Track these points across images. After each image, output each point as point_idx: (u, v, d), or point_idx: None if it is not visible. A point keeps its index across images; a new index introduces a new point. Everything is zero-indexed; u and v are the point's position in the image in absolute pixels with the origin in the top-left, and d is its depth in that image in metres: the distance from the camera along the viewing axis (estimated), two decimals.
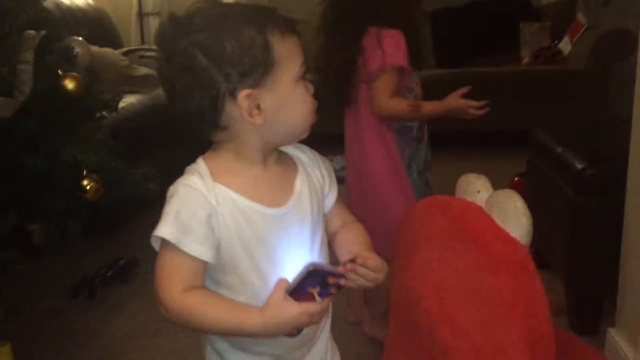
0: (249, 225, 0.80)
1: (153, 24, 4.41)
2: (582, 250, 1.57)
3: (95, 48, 2.83)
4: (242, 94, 0.76)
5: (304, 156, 0.90)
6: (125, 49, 3.42)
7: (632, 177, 1.43)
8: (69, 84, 1.35)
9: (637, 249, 1.40)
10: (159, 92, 2.84)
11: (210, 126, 0.79)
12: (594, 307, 1.58)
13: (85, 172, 1.36)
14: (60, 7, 3.07)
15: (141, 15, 4.36)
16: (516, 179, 2.64)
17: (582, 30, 3.80)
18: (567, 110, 3.61)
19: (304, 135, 0.84)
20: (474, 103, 1.53)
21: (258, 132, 0.80)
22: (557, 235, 1.66)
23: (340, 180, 1.05)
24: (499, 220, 0.97)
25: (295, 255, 0.80)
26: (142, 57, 3.32)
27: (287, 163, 0.88)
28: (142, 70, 3.12)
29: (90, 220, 1.46)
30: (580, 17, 3.90)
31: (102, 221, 1.71)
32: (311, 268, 0.75)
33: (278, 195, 0.84)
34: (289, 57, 0.78)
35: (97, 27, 3.40)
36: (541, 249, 1.76)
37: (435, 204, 1.09)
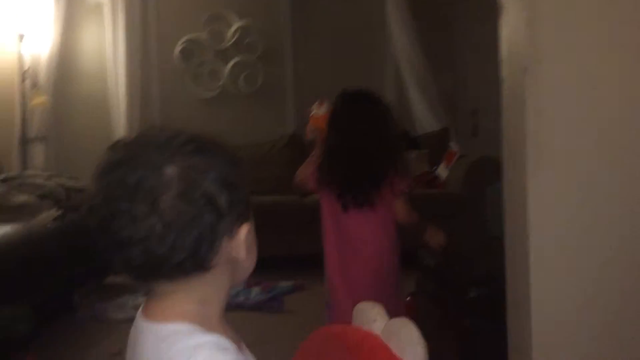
0: None
1: (38, 149, 4.25)
2: None
3: None
4: (245, 228, 0.68)
5: None
6: (3, 176, 3.22)
7: (510, 297, 1.52)
8: None
9: None
10: (37, 220, 2.66)
11: (194, 267, 0.65)
12: None
13: None
14: None
15: (24, 140, 4.19)
16: (408, 298, 2.70)
17: (456, 157, 4.19)
18: (449, 230, 3.85)
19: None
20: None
21: (231, 274, 0.71)
22: (448, 356, 1.69)
23: None
24: (395, 349, 0.97)
25: None
26: (22, 184, 3.13)
27: None
28: (21, 198, 2.93)
29: None
30: (453, 145, 4.32)
31: None
32: None
33: None
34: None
35: None
36: None
37: (332, 334, 1.07)
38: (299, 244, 3.81)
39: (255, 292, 3.18)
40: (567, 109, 1.38)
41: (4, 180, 3.10)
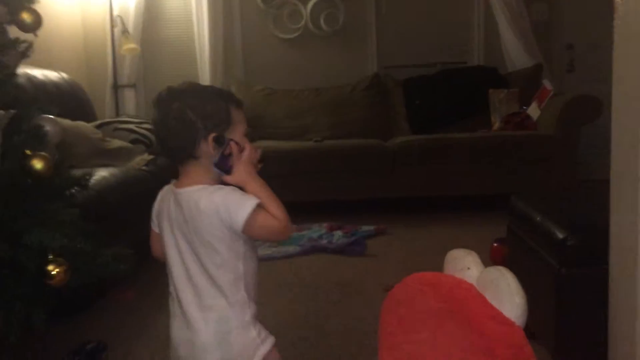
0: None
1: (128, 96, 4.42)
2: (569, 321, 1.53)
3: (67, 122, 2.79)
4: (211, 136, 1.16)
5: None
6: (99, 122, 3.38)
7: (614, 245, 1.42)
8: (37, 164, 1.29)
9: (623, 318, 1.37)
10: (132, 164, 2.76)
11: (187, 154, 1.18)
12: None
13: (51, 257, 1.28)
14: (33, 82, 3.04)
15: (116, 87, 4.37)
16: (495, 245, 2.62)
17: (549, 96, 3.92)
18: (540, 173, 3.67)
19: None
20: None
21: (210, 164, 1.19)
22: (542, 305, 1.62)
23: None
24: (491, 299, 0.93)
25: None
26: (116, 129, 3.28)
27: None
28: (116, 143, 3.08)
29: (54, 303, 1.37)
30: (547, 83, 4.04)
31: (67, 303, 1.60)
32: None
33: None
34: (240, 121, 1.21)
35: (71, 101, 3.37)
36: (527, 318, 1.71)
37: (425, 281, 1.05)
38: (380, 188, 3.77)
39: (338, 236, 3.21)
40: None
41: (100, 126, 3.26)
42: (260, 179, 1.18)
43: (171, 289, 1.20)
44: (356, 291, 2.51)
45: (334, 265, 2.86)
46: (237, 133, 1.18)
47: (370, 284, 2.56)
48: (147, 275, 2.72)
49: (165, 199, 1.22)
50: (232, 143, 1.16)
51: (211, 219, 1.12)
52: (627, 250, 1.35)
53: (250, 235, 1.15)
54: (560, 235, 1.52)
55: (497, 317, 0.90)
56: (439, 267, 1.24)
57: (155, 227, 1.28)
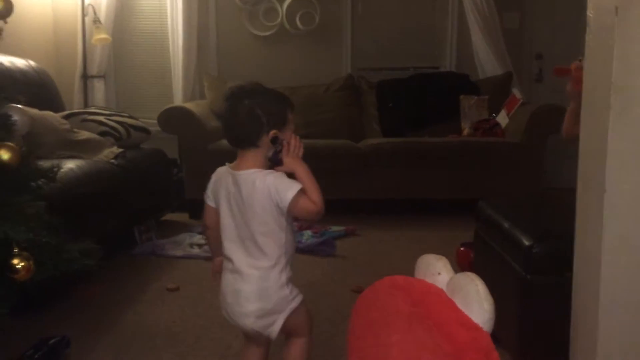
0: None
1: (98, 86, 4.33)
2: (533, 327, 1.57)
3: (34, 111, 2.71)
4: (272, 132, 1.41)
5: None
6: (66, 112, 3.30)
7: (578, 253, 1.46)
8: (4, 155, 1.26)
9: (585, 325, 1.41)
10: (100, 157, 2.71)
11: (251, 143, 1.42)
12: None
13: (15, 250, 1.25)
14: None
15: (85, 77, 4.28)
16: (462, 249, 2.66)
17: (518, 104, 4.00)
18: (507, 180, 3.75)
19: None
20: None
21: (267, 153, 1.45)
22: (507, 311, 1.65)
23: None
24: (460, 305, 0.95)
25: None
26: (84, 120, 3.21)
27: None
28: (84, 135, 3.01)
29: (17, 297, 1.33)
30: (516, 92, 4.12)
31: (30, 297, 1.56)
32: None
33: None
34: (291, 121, 1.46)
35: (39, 90, 3.29)
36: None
37: (396, 285, 1.06)
38: (351, 189, 3.79)
39: (307, 236, 3.21)
40: None
41: (67, 117, 3.18)
42: (306, 166, 1.40)
43: (225, 250, 1.45)
44: (325, 292, 2.51)
45: (302, 265, 2.86)
46: (288, 130, 1.44)
47: (339, 285, 2.57)
48: (113, 270, 2.70)
49: (223, 179, 1.45)
50: (284, 142, 1.40)
51: (263, 195, 1.37)
52: (590, 258, 1.39)
53: (292, 213, 1.39)
54: (527, 242, 1.56)
55: (466, 322, 0.92)
56: (407, 268, 1.25)
57: (210, 202, 1.49)
